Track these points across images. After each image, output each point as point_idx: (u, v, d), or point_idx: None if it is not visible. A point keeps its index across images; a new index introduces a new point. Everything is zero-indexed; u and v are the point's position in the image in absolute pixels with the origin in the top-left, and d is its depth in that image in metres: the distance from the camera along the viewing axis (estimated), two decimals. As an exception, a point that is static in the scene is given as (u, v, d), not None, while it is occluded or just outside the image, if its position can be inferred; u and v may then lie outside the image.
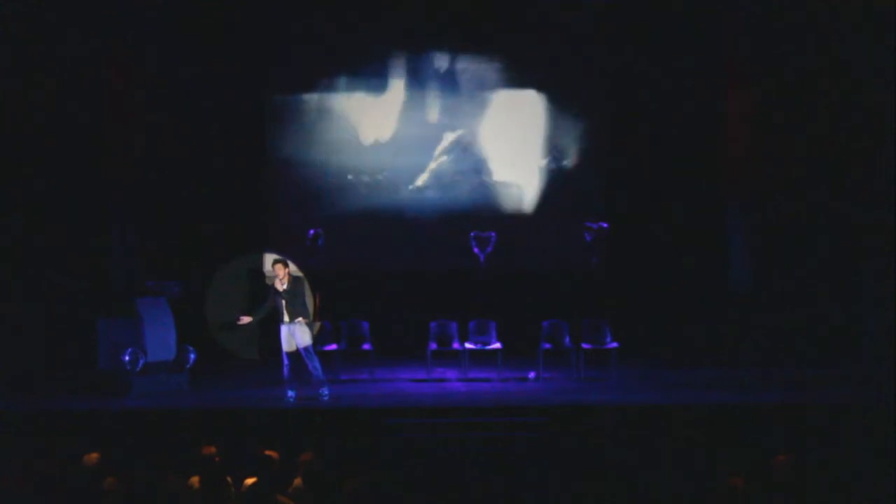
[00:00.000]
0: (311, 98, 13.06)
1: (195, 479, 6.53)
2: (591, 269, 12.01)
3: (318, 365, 9.75)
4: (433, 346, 11.02)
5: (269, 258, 12.21)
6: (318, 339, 11.01)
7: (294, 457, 6.76)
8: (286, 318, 9.70)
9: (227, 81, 12.56)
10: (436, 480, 7.81)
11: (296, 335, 9.69)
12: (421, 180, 13.07)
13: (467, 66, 13.06)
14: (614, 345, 10.87)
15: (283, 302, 9.70)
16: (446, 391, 10.36)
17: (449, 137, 13.08)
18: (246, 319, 9.75)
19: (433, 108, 13.07)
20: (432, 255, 12.90)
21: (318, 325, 10.21)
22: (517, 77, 13.10)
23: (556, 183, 13.09)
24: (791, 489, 6.26)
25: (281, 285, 9.73)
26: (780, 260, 12.31)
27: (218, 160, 12.63)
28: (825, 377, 10.76)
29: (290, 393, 9.66)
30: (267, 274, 9.88)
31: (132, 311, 10.14)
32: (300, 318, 9.68)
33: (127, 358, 9.87)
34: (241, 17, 12.72)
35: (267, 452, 6.63)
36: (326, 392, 9.71)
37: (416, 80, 13.05)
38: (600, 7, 13.02)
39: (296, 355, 9.71)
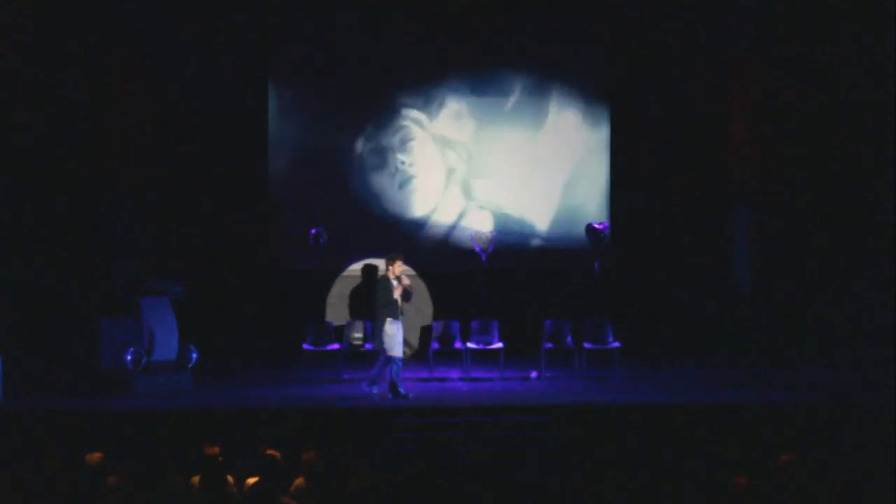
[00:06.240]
0: (312, 97, 13.06)
1: (197, 479, 6.53)
2: (594, 273, 12.00)
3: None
4: (435, 345, 11.03)
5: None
6: (321, 339, 11.04)
7: (296, 456, 6.77)
8: (400, 315, 9.71)
9: (228, 80, 12.57)
10: (437, 480, 7.82)
11: (401, 333, 9.72)
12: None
13: (467, 71, 13.06)
14: (616, 344, 10.88)
15: (401, 299, 9.69)
16: (448, 390, 10.36)
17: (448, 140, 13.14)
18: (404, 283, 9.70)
19: (433, 109, 13.08)
20: (434, 254, 12.89)
21: None
22: (516, 78, 13.09)
23: (558, 184, 13.09)
24: (793, 489, 6.27)
25: (398, 280, 9.71)
26: (781, 260, 12.32)
27: (218, 160, 12.62)
28: (825, 377, 10.77)
29: (376, 389, 9.65)
30: (381, 270, 9.72)
31: (135, 311, 10.14)
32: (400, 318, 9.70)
33: (129, 357, 9.87)
34: (241, 15, 12.70)
35: (269, 452, 6.65)
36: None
37: (418, 84, 13.07)
38: (600, 7, 13.03)
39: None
